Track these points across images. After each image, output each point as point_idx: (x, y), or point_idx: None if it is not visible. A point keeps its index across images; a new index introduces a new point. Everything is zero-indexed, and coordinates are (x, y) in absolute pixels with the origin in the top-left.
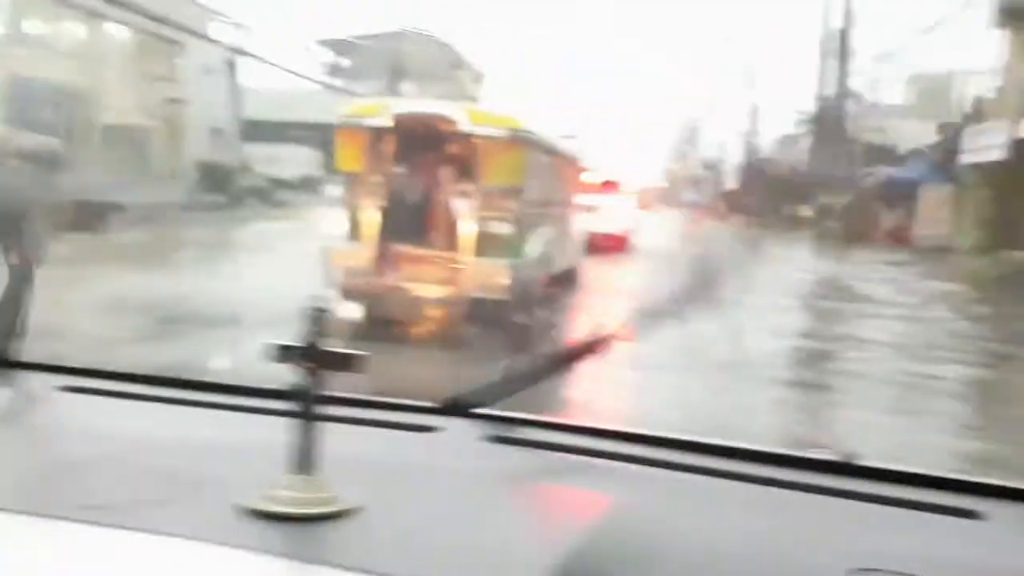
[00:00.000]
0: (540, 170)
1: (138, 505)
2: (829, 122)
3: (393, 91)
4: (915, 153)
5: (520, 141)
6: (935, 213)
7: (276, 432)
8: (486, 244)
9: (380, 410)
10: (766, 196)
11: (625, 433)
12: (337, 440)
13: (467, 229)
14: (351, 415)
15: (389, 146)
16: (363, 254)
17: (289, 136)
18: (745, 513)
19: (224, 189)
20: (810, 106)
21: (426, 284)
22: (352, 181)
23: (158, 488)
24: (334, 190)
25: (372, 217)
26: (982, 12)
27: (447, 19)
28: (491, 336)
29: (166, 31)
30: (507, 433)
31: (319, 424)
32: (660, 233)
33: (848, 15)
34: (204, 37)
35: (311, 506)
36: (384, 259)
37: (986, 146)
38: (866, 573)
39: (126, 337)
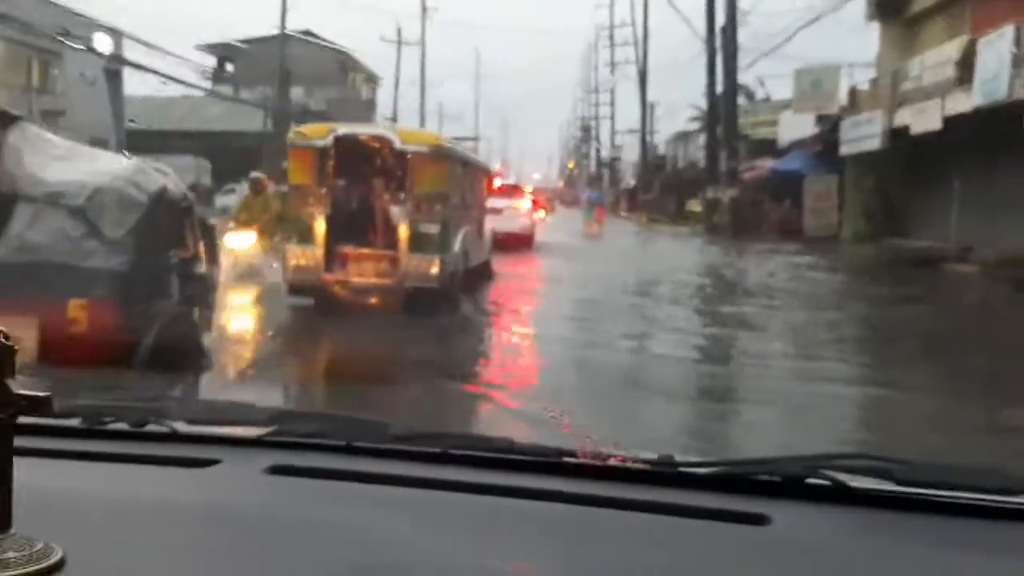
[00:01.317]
0: (459, 179)
1: None
2: (719, 118)
3: (283, 96)
4: (796, 145)
5: (443, 155)
6: (820, 203)
7: None
8: (418, 242)
9: (154, 443)
10: (661, 192)
11: (422, 453)
12: (85, 480)
13: (402, 230)
14: (109, 451)
15: (333, 162)
16: (313, 253)
17: (174, 145)
18: (524, 531)
19: None
20: (701, 103)
21: (368, 277)
22: (302, 193)
23: None
24: (225, 199)
25: (320, 222)
26: (860, 6)
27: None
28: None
29: (41, 41)
30: (292, 463)
31: (10, 469)
32: (561, 231)
33: (732, 11)
34: (83, 46)
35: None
36: (331, 257)
37: (863, 136)
38: None
39: None
